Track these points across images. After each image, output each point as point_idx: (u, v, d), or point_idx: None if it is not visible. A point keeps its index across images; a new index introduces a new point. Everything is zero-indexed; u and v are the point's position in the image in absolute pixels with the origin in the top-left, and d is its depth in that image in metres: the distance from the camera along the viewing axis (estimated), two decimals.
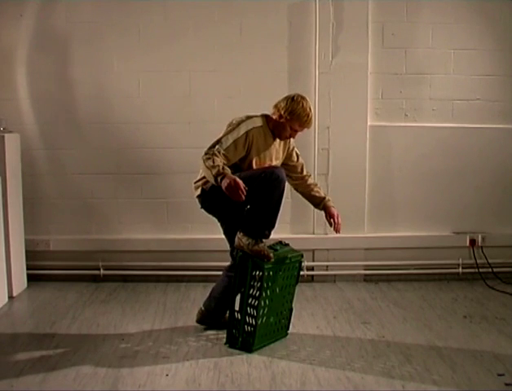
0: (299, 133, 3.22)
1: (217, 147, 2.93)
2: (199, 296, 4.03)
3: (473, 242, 4.43)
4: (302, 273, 4.33)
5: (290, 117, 3.04)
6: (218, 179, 2.80)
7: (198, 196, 3.17)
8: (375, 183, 4.38)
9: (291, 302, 3.29)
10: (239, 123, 3.03)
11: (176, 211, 4.34)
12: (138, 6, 4.17)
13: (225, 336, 3.15)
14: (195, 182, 3.19)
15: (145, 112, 4.26)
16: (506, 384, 2.68)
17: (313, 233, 4.41)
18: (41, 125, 4.27)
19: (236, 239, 3.03)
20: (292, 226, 4.40)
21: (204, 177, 3.10)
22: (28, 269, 4.19)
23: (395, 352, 3.07)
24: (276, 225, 3.10)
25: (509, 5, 4.29)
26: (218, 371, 2.82)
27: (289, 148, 3.30)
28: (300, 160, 3.36)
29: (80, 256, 4.33)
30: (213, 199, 3.09)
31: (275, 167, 3.05)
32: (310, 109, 3.07)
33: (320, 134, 4.28)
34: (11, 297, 3.92)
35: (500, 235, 4.45)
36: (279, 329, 3.23)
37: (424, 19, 4.28)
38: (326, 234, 4.37)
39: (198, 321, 3.37)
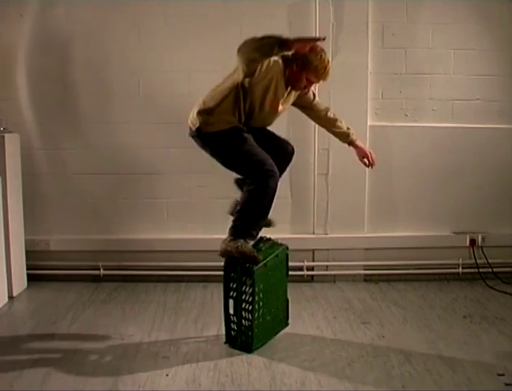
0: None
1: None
2: (199, 296, 4.03)
3: (473, 242, 4.43)
4: (302, 273, 4.37)
5: (308, 68, 2.99)
6: (280, 44, 2.73)
7: (196, 131, 3.07)
8: (375, 183, 4.38)
9: (286, 294, 3.29)
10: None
11: (176, 211, 4.34)
12: (138, 6, 4.16)
13: (225, 335, 3.16)
14: (198, 113, 3.06)
15: (145, 112, 4.26)
16: (506, 384, 2.69)
17: (313, 233, 4.41)
18: (41, 125, 4.27)
19: (222, 244, 3.02)
20: (292, 226, 4.40)
21: (206, 113, 3.03)
22: (28, 269, 4.19)
23: (395, 352, 3.07)
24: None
25: (509, 5, 4.29)
26: (218, 372, 2.83)
27: (300, 94, 3.24)
28: (316, 98, 3.38)
29: (80, 256, 4.33)
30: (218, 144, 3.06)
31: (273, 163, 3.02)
32: (328, 61, 3.02)
33: (319, 134, 4.27)
34: (10, 297, 3.92)
35: (500, 235, 4.45)
36: (277, 323, 3.24)
37: (424, 19, 4.27)
38: (326, 234, 4.38)
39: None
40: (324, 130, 4.26)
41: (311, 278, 4.42)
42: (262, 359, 2.98)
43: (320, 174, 4.33)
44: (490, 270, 4.39)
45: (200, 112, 3.07)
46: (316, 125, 4.22)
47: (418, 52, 4.30)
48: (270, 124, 3.24)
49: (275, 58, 2.94)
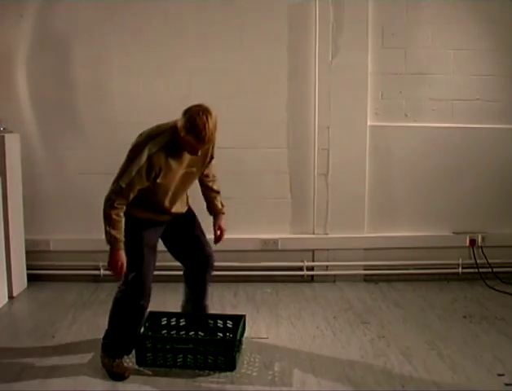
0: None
1: (117, 189, 2.67)
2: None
3: (473, 242, 4.43)
4: (302, 273, 4.37)
5: (185, 133, 2.57)
6: (109, 246, 2.74)
7: None
8: (375, 183, 4.38)
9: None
10: (141, 148, 2.73)
11: None
12: (138, 5, 4.16)
13: None
14: None
15: (145, 112, 4.25)
16: (506, 384, 2.69)
17: (313, 233, 4.41)
18: (41, 125, 4.27)
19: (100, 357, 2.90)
20: (292, 226, 4.40)
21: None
22: (28, 269, 4.19)
23: (395, 352, 3.07)
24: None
25: (509, 5, 4.29)
26: (217, 372, 2.82)
27: (210, 156, 2.92)
28: (211, 167, 3.03)
29: (80, 256, 4.33)
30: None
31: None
32: (204, 126, 2.52)
33: (319, 134, 4.28)
34: (10, 297, 3.93)
35: (500, 235, 4.45)
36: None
37: (424, 19, 4.27)
38: (326, 234, 4.38)
39: None
40: (323, 131, 4.30)
41: (311, 278, 4.42)
42: (262, 359, 2.98)
43: (319, 174, 4.33)
44: (490, 270, 4.38)
45: None
46: (317, 125, 4.27)
47: (418, 52, 4.30)
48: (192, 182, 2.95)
49: (152, 149, 2.68)
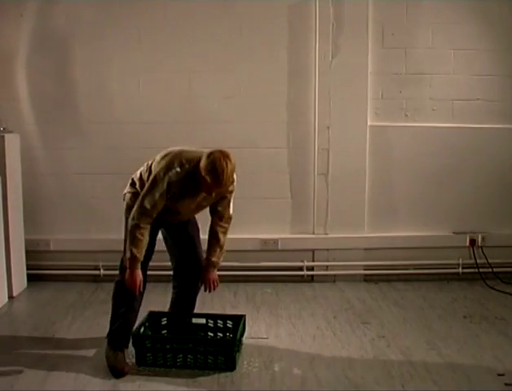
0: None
1: (143, 210, 2.78)
2: (199, 296, 4.02)
3: (473, 242, 4.43)
4: (302, 273, 4.37)
5: (205, 173, 2.69)
6: (127, 265, 2.82)
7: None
8: (375, 183, 4.38)
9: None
10: (164, 174, 2.80)
11: None
12: (138, 6, 4.16)
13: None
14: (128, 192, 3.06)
15: (145, 111, 4.26)
16: (506, 384, 2.69)
17: (313, 233, 4.41)
18: (41, 125, 4.27)
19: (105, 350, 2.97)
20: (292, 226, 4.41)
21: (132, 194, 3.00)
22: (28, 269, 4.20)
23: (395, 352, 3.07)
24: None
25: (509, 5, 4.29)
26: (217, 372, 2.82)
27: (221, 196, 2.96)
28: (226, 211, 3.03)
29: (80, 256, 4.33)
30: None
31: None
32: (223, 171, 2.66)
33: (320, 134, 4.29)
34: (10, 297, 3.93)
35: (500, 235, 4.45)
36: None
37: (424, 19, 4.28)
38: (326, 234, 4.38)
39: None
40: (323, 131, 4.30)
41: (311, 278, 4.42)
42: (262, 359, 2.98)
43: (319, 174, 4.33)
44: (490, 270, 4.38)
45: None
46: (316, 125, 4.27)
47: (418, 52, 4.30)
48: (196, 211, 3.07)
49: (172, 177, 2.77)
